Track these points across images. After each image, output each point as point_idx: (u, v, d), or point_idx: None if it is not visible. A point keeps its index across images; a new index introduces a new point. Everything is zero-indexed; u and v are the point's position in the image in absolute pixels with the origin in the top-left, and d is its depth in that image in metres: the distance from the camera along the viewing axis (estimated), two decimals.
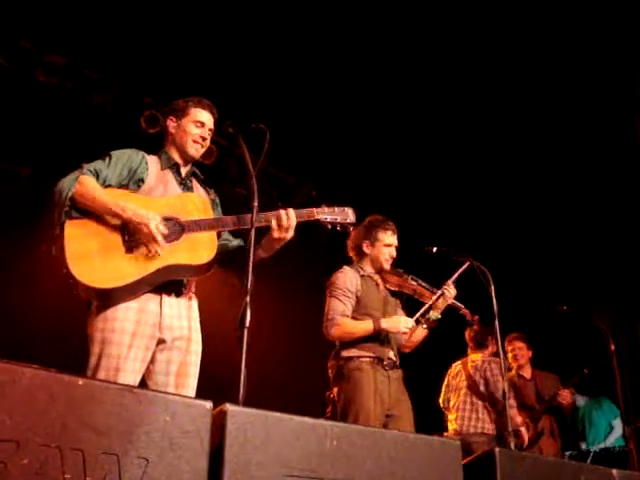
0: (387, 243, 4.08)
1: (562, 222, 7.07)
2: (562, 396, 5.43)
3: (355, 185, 6.60)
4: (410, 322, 3.84)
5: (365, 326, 3.81)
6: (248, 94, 5.64)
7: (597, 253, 7.16)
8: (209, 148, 6.54)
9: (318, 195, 6.96)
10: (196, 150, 3.03)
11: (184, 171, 3.04)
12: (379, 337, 3.87)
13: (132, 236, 2.69)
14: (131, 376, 2.62)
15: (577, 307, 5.29)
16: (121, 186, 2.84)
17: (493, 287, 3.79)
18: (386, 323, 3.80)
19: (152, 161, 2.96)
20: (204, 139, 3.04)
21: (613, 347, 5.05)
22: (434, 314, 4.01)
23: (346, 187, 6.59)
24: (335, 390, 3.86)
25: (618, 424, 5.95)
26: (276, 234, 2.84)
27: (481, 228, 6.99)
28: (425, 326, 4.04)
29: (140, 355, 2.66)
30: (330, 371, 3.94)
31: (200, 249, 2.78)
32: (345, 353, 3.84)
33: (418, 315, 3.95)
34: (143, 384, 2.69)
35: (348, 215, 3.03)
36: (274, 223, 2.83)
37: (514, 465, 2.44)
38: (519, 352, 5.74)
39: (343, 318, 3.84)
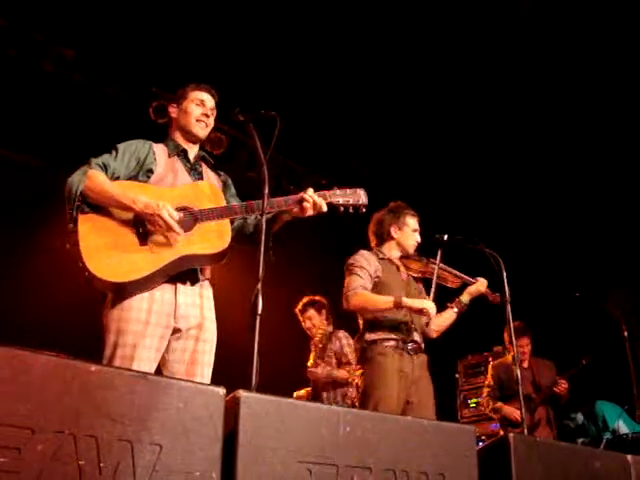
0: (414, 228, 4.11)
1: (575, 208, 7.03)
2: (559, 385, 5.40)
3: (364, 173, 6.59)
4: (434, 306, 3.73)
5: (386, 299, 3.73)
6: (257, 83, 5.62)
7: (610, 240, 7.12)
8: (218, 137, 6.60)
9: (327, 183, 6.96)
10: (201, 128, 3.03)
11: (192, 155, 3.04)
12: (404, 320, 3.82)
13: (145, 228, 2.70)
14: (146, 365, 2.62)
15: (590, 293, 5.27)
16: (130, 178, 2.84)
17: (505, 273, 3.76)
18: (409, 301, 3.71)
19: (159, 149, 2.96)
20: (207, 116, 3.03)
21: (626, 333, 5.04)
22: (465, 298, 4.01)
23: (355, 175, 6.58)
24: (360, 375, 3.82)
25: (619, 426, 5.93)
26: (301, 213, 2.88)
27: (493, 215, 6.96)
28: (456, 310, 4.01)
29: (155, 344, 2.67)
30: (356, 354, 3.93)
31: (213, 238, 2.78)
32: (369, 336, 3.81)
33: (433, 294, 3.90)
34: (159, 373, 2.70)
35: (360, 196, 3.00)
36: (304, 207, 2.84)
37: (528, 451, 2.44)
38: (526, 349, 5.70)
39: (364, 290, 3.80)
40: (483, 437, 6.17)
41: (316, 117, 6.25)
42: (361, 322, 3.95)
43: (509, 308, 3.70)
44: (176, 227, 2.67)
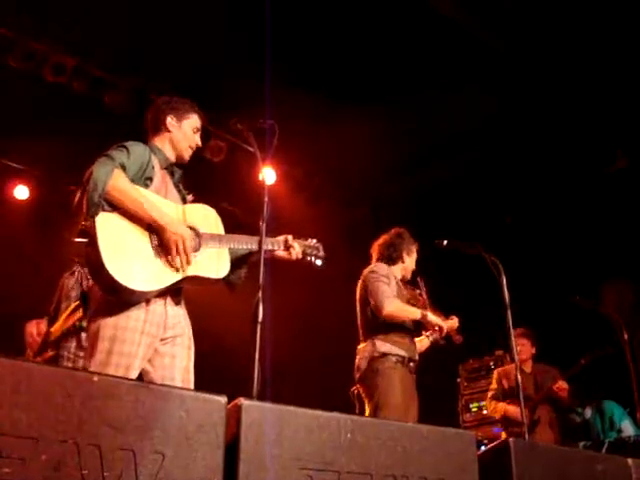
0: (416, 256, 4.36)
1: (571, 210, 7.03)
2: (557, 386, 5.45)
3: (363, 180, 6.61)
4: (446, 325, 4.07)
5: (415, 310, 4.01)
6: (255, 91, 5.63)
7: (609, 243, 7.11)
8: (218, 145, 6.63)
9: (328, 190, 6.96)
10: (189, 156, 3.10)
11: (177, 174, 3.06)
12: (413, 338, 4.07)
13: (160, 242, 2.70)
14: (136, 374, 2.64)
15: (588, 297, 5.28)
16: (132, 180, 2.76)
17: (504, 278, 3.76)
18: (432, 317, 4.00)
19: (154, 158, 2.92)
20: (197, 146, 3.13)
21: (626, 336, 5.04)
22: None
23: (353, 182, 6.59)
24: (364, 386, 3.95)
25: (626, 426, 5.92)
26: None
27: (489, 220, 6.98)
28: (431, 339, 4.28)
29: (147, 354, 2.69)
30: (361, 363, 4.00)
31: (218, 263, 2.84)
32: (381, 349, 3.94)
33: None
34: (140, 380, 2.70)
35: (320, 249, 3.29)
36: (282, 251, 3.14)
37: (529, 455, 2.45)
38: (522, 348, 5.74)
39: (395, 298, 4.00)
40: (485, 441, 6.16)
41: (313, 124, 6.27)
42: (369, 330, 4.06)
43: (509, 313, 3.70)
44: (190, 259, 2.72)
